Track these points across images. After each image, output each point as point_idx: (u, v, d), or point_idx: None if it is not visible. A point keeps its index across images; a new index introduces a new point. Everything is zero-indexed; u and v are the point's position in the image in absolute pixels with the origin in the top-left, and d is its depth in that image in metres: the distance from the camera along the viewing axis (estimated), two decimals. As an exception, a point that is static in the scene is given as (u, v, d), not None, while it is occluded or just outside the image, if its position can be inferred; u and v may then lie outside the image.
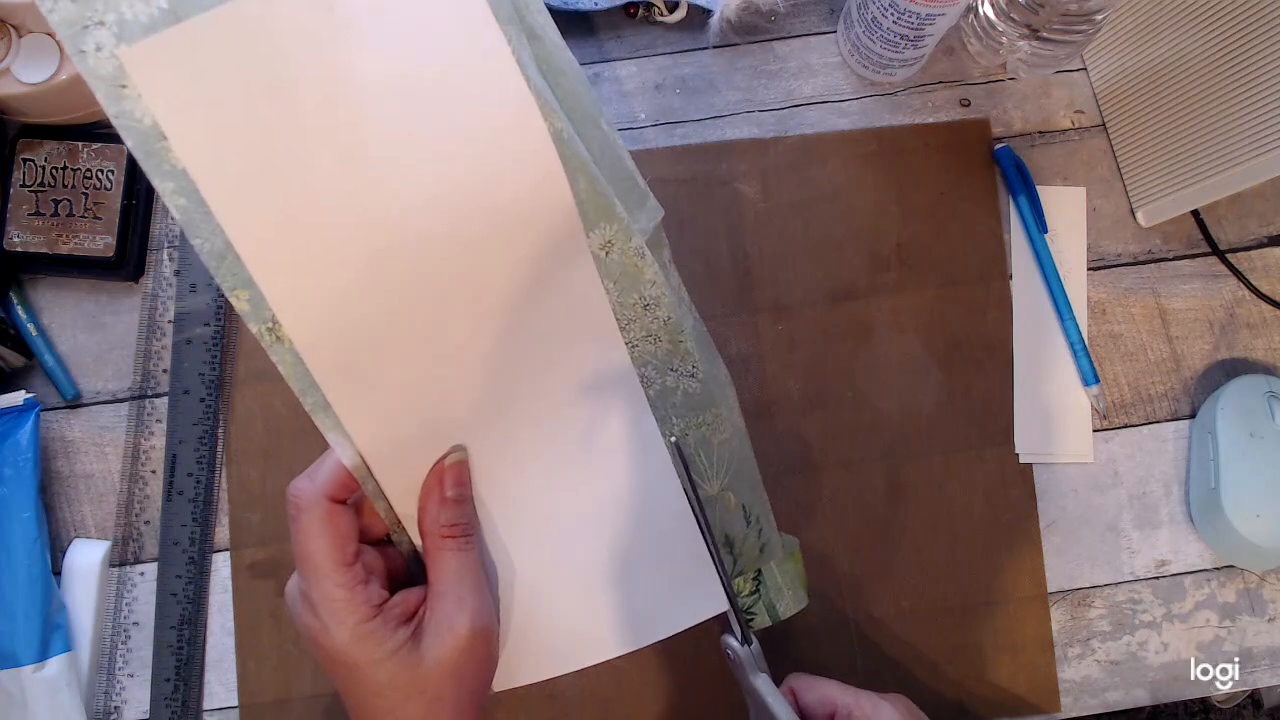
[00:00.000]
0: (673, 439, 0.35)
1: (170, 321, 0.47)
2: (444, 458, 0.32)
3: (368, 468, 0.31)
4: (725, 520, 0.37)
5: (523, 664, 0.35)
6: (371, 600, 0.30)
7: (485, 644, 0.31)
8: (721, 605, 0.36)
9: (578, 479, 0.34)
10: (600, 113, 0.35)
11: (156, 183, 0.27)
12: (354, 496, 0.31)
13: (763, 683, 0.35)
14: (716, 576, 0.35)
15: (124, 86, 0.26)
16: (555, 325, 0.32)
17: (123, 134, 0.26)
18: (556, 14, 0.47)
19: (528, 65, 0.29)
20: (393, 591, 0.31)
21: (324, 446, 0.46)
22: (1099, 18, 0.43)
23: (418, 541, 0.33)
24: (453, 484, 0.32)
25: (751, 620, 0.39)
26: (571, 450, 0.34)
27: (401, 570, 0.33)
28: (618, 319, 0.33)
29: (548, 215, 0.30)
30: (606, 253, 0.32)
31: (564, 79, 0.32)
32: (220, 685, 0.46)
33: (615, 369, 0.34)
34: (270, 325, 0.28)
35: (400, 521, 0.32)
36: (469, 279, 0.30)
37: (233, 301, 0.28)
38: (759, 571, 0.39)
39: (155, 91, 0.26)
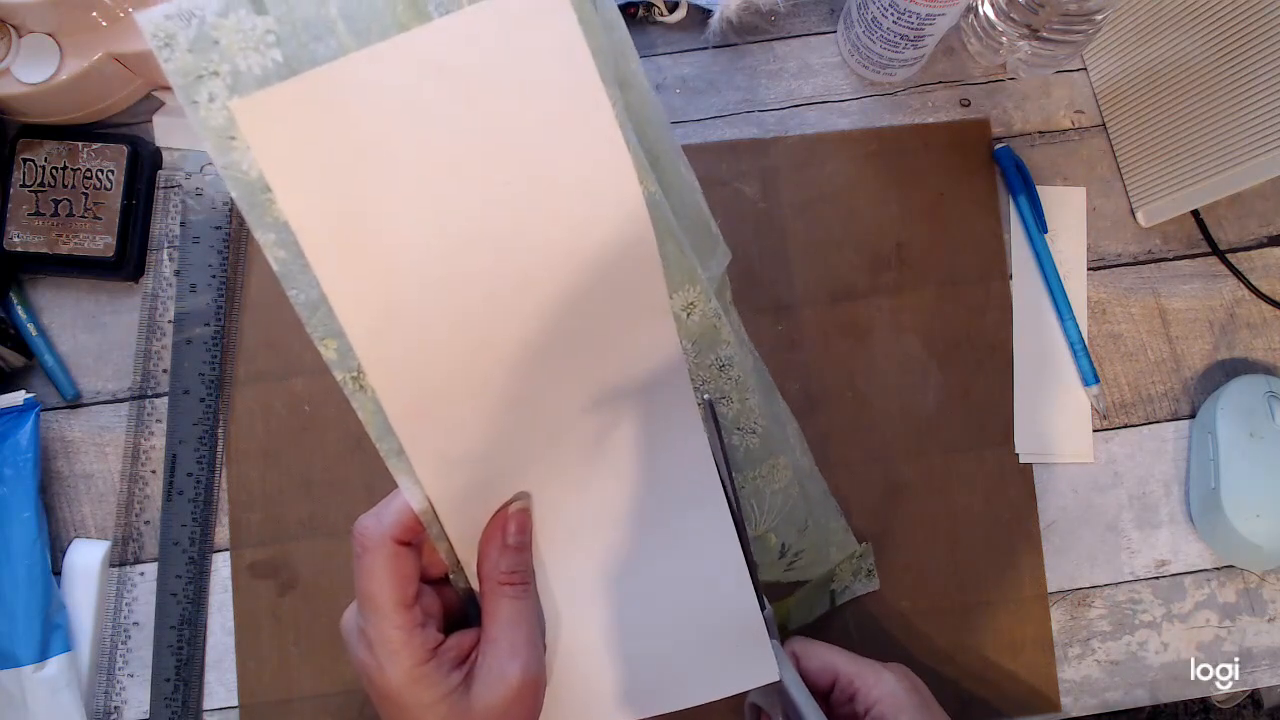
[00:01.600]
0: (705, 398, 0.35)
1: (170, 321, 0.47)
2: (508, 504, 0.32)
3: (434, 512, 0.31)
4: (759, 552, 0.38)
5: (560, 714, 0.35)
6: (428, 644, 0.30)
7: (533, 694, 0.31)
8: (772, 675, 0.35)
9: (634, 536, 0.34)
10: (681, 156, 0.34)
11: (258, 234, 0.27)
12: (418, 538, 0.31)
13: (779, 656, 0.35)
14: (768, 646, 0.35)
15: (233, 138, 0.26)
16: (629, 381, 0.32)
17: (228, 184, 0.26)
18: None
19: (627, 127, 0.29)
20: (447, 631, 0.32)
21: (321, 450, 0.47)
22: (1099, 18, 0.43)
23: (475, 585, 0.33)
24: (515, 531, 0.32)
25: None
26: (630, 507, 0.34)
27: (457, 609, 0.34)
28: (692, 379, 0.33)
29: (634, 276, 0.30)
30: (688, 314, 0.32)
31: (650, 127, 0.32)
32: (220, 685, 0.46)
33: (685, 428, 0.34)
34: (355, 374, 0.28)
35: (460, 564, 0.33)
36: (549, 333, 0.30)
37: (320, 350, 0.28)
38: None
39: (263, 144, 0.26)
